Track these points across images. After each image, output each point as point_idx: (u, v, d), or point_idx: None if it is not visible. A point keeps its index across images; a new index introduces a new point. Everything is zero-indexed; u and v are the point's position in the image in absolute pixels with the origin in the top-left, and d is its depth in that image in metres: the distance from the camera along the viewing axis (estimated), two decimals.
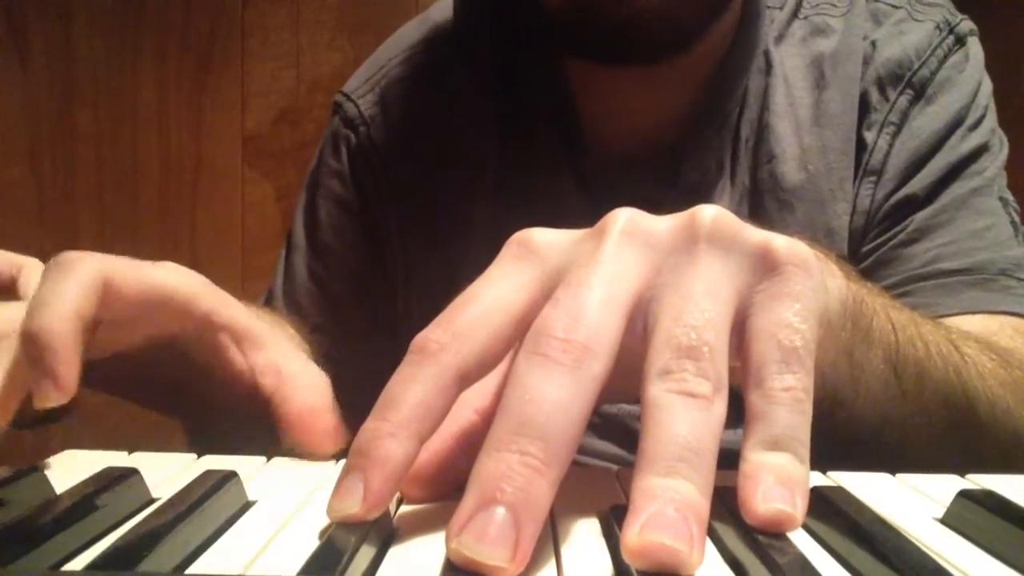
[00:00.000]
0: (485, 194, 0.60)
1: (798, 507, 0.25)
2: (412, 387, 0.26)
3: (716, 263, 0.28)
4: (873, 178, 0.57)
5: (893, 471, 0.36)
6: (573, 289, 0.27)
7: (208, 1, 1.56)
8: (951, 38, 0.58)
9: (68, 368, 0.31)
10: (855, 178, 0.57)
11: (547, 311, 0.27)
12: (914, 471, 0.35)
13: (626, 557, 0.22)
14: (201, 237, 1.58)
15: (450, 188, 0.61)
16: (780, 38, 0.59)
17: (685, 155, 0.57)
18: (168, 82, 1.57)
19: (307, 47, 1.55)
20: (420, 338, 0.28)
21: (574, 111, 0.59)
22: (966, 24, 0.60)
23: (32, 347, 0.32)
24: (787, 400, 0.27)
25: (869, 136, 0.57)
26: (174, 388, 0.40)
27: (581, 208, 0.57)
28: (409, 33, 0.67)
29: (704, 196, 0.57)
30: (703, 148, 0.57)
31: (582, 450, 0.57)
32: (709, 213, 0.29)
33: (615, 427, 0.57)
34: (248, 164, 1.58)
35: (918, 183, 0.57)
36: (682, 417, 0.25)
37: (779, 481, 0.25)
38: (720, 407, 0.26)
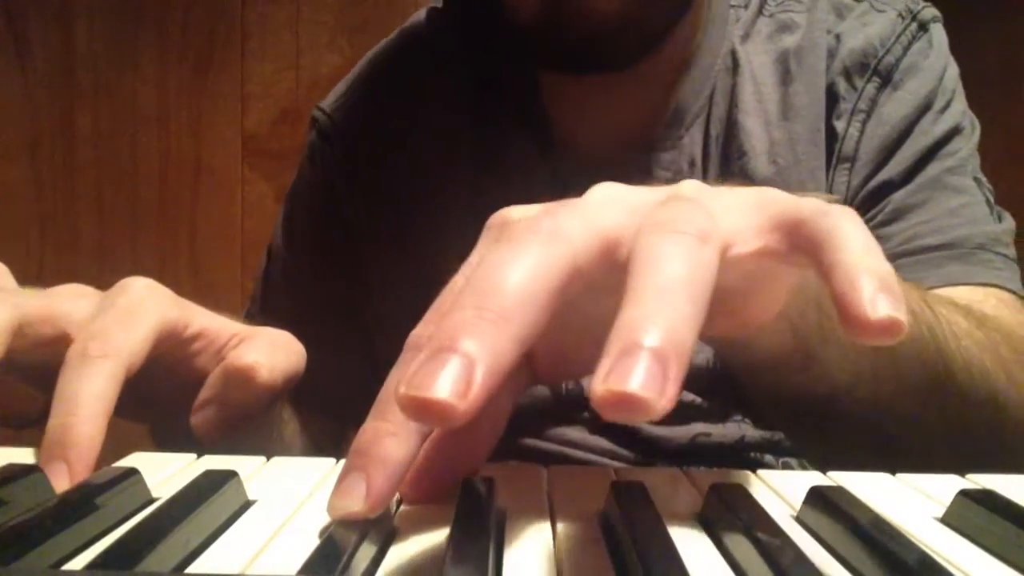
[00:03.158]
0: (459, 200, 0.61)
1: (904, 314, 0.23)
2: None
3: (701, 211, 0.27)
4: (847, 165, 0.58)
5: (891, 466, 0.36)
6: (548, 209, 0.27)
7: (208, 1, 1.56)
8: (914, 25, 0.59)
9: (86, 467, 0.32)
10: (828, 167, 0.58)
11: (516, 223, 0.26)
12: (910, 468, 0.35)
13: (593, 404, 0.21)
14: (201, 237, 1.58)
15: (424, 196, 0.62)
16: (746, 36, 0.60)
17: (656, 155, 0.58)
18: (168, 82, 1.57)
19: (306, 48, 1.56)
20: (413, 336, 0.28)
21: (545, 116, 0.60)
22: (928, 11, 0.60)
23: (58, 437, 0.32)
24: (847, 215, 0.26)
25: (839, 125, 0.58)
26: (142, 396, 0.40)
27: None
28: (385, 46, 0.68)
29: None
30: (673, 148, 0.58)
31: (575, 444, 0.57)
32: (691, 183, 0.29)
33: (608, 423, 0.57)
34: (247, 164, 1.58)
35: (893, 168, 0.57)
36: (671, 252, 0.24)
37: (881, 287, 0.24)
38: (713, 251, 0.25)
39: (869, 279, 0.24)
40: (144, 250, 1.57)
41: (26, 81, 1.56)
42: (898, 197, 0.57)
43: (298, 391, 0.51)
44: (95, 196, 1.57)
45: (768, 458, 0.57)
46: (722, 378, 0.56)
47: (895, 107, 0.58)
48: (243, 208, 1.58)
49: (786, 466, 0.57)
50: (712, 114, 0.59)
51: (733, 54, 0.59)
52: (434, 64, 0.64)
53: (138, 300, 0.37)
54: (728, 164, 0.58)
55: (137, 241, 1.57)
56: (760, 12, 0.61)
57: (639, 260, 0.24)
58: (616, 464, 0.57)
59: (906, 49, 0.59)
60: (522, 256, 0.24)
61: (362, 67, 0.68)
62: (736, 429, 0.57)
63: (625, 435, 0.57)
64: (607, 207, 0.27)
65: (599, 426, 0.58)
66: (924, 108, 0.58)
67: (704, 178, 0.59)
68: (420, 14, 0.68)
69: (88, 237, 1.57)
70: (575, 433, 0.58)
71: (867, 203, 0.58)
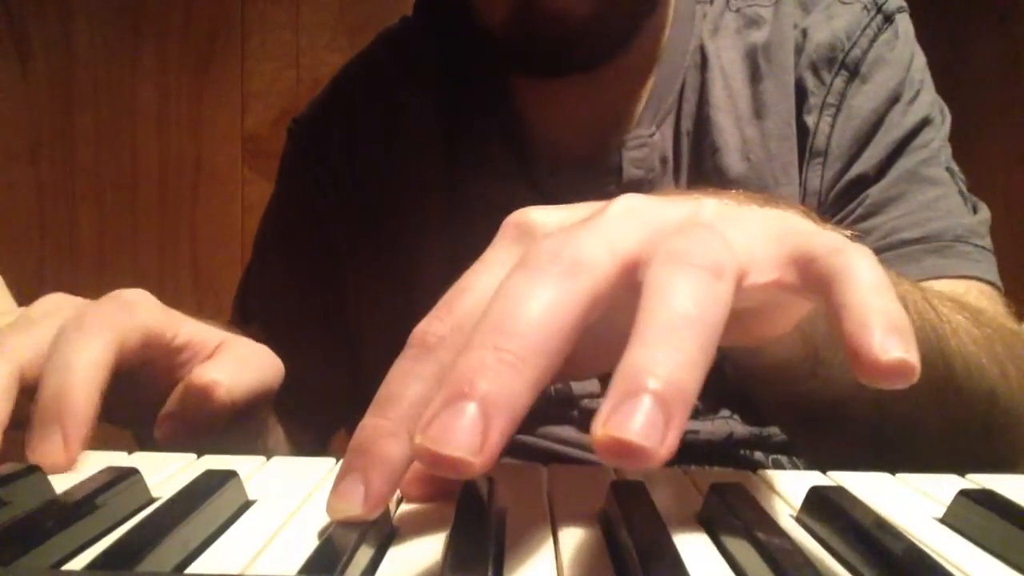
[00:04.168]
0: (435, 208, 0.61)
1: (915, 356, 0.23)
2: (412, 384, 0.26)
3: (717, 240, 0.27)
4: (819, 159, 0.58)
5: (886, 465, 0.36)
6: (570, 229, 0.26)
7: (208, 1, 1.56)
8: (879, 17, 0.59)
9: (81, 434, 0.32)
10: (801, 163, 0.58)
11: (537, 242, 0.26)
12: (904, 466, 0.35)
13: (594, 447, 0.21)
14: (201, 237, 1.58)
15: (400, 203, 0.63)
16: (715, 31, 0.60)
17: (629, 153, 0.59)
18: (168, 82, 1.57)
19: (307, 47, 1.56)
20: (418, 332, 0.27)
21: (519, 119, 0.61)
22: (894, 1, 0.60)
23: (52, 403, 0.32)
24: (861, 253, 0.26)
25: (810, 120, 0.58)
26: (127, 403, 0.40)
27: None
28: (360, 57, 0.69)
29: (649, 192, 0.58)
30: (645, 146, 0.59)
31: (566, 442, 0.57)
32: (713, 202, 0.29)
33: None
34: (248, 164, 1.58)
35: (867, 162, 0.58)
36: (682, 288, 0.23)
37: (892, 328, 0.23)
38: (727, 286, 0.24)
39: (879, 320, 0.24)
40: (144, 250, 1.57)
41: (26, 81, 1.56)
42: (874, 192, 0.57)
43: (280, 400, 0.52)
44: (95, 197, 1.57)
45: (758, 455, 0.57)
46: (711, 374, 0.56)
47: (864, 100, 0.58)
48: (243, 208, 1.58)
49: (776, 463, 0.57)
50: (683, 111, 0.59)
51: (702, 50, 0.60)
52: (408, 72, 0.65)
53: (131, 301, 0.38)
54: (701, 161, 0.59)
55: (137, 241, 1.57)
56: (727, 7, 0.61)
57: (649, 294, 0.24)
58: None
59: (872, 41, 0.59)
60: (543, 290, 0.24)
61: (337, 78, 0.69)
62: (724, 426, 0.57)
63: None
64: (627, 225, 0.27)
65: (588, 425, 0.58)
66: (893, 100, 0.58)
67: (676, 175, 0.59)
68: (394, 23, 0.68)
69: (88, 237, 1.57)
70: (566, 431, 0.58)
71: (843, 198, 0.58)
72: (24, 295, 0.45)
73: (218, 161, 1.58)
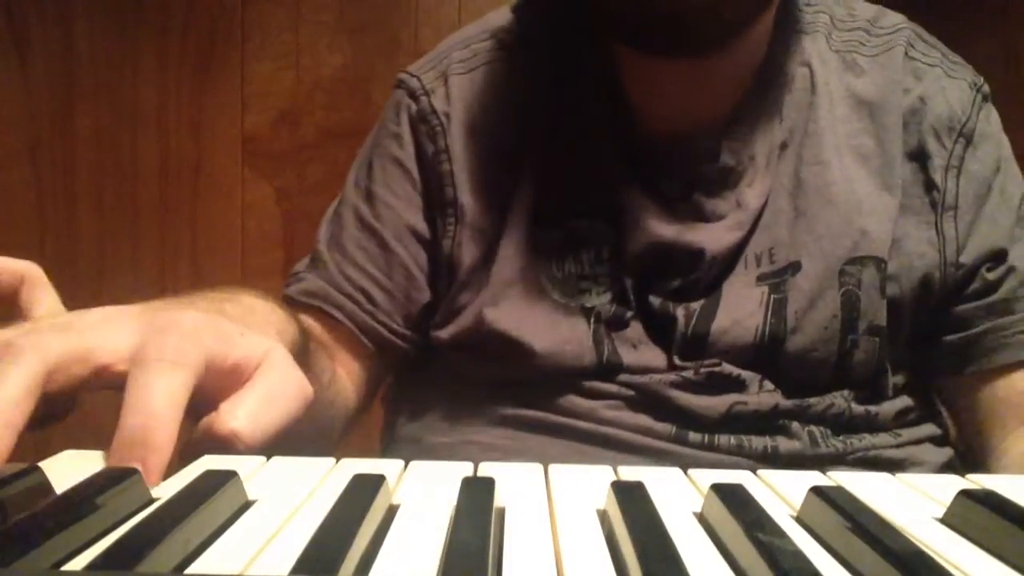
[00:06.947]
0: (532, 166, 0.65)
1: None
2: None
3: None
4: (951, 212, 0.65)
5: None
6: None
7: (208, 1, 1.56)
8: (979, 95, 0.67)
9: (160, 472, 0.33)
10: (935, 213, 0.65)
11: None
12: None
13: None
14: (201, 237, 1.58)
15: (500, 159, 0.66)
16: (823, 64, 0.66)
17: (727, 143, 0.63)
18: (168, 82, 1.57)
19: (307, 48, 1.56)
20: None
21: (622, 92, 0.65)
22: (986, 85, 0.68)
23: (137, 439, 0.34)
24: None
25: (938, 178, 0.65)
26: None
27: (625, 177, 0.64)
28: (469, 29, 0.74)
29: (734, 181, 0.63)
30: (737, 140, 0.64)
31: (611, 423, 0.61)
32: None
33: (648, 397, 0.61)
34: (247, 165, 1.58)
35: (992, 226, 0.66)
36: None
37: None
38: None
39: None
40: (144, 250, 1.57)
41: (26, 81, 1.56)
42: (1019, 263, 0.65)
43: (353, 315, 0.67)
44: (95, 196, 1.57)
45: (795, 425, 0.60)
46: (759, 358, 0.60)
47: (978, 166, 0.65)
48: (243, 208, 1.58)
49: (810, 434, 0.60)
50: (783, 124, 0.64)
51: (811, 75, 0.65)
52: (518, 42, 0.69)
53: (195, 330, 0.38)
54: (801, 167, 0.63)
55: (137, 241, 1.57)
56: (828, 46, 0.67)
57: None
58: (651, 441, 0.60)
59: (978, 116, 0.66)
60: None
61: (447, 45, 0.73)
62: (770, 398, 0.60)
63: (663, 409, 0.60)
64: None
65: (635, 402, 0.61)
66: (996, 170, 0.66)
67: (764, 176, 0.63)
68: (502, 9, 0.72)
69: (88, 237, 1.57)
70: (611, 412, 0.61)
71: (983, 268, 0.65)
72: None
73: (218, 161, 1.58)
